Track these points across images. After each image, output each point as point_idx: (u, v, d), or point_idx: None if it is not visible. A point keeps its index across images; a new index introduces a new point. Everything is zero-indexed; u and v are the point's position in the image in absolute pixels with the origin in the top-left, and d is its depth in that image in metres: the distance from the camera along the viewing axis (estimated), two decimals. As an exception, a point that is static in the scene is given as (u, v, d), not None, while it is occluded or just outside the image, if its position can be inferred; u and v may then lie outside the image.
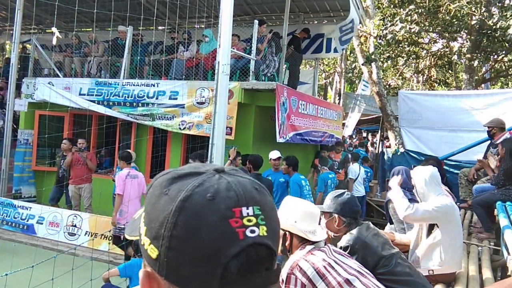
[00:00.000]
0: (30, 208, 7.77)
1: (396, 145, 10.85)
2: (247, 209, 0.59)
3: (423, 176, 3.24)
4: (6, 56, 14.94)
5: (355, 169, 8.90)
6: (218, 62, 5.08)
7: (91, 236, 6.98)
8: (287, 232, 2.30)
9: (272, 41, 8.54)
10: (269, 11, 11.38)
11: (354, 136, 15.06)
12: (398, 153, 10.32)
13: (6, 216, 7.86)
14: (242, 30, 8.97)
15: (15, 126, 9.44)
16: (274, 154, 6.75)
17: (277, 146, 7.70)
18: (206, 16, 8.49)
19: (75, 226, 7.26)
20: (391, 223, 4.58)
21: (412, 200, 3.40)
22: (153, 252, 0.59)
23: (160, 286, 0.60)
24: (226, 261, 0.56)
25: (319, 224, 2.53)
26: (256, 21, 7.69)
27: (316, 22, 11.47)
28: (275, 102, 7.15)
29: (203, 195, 0.59)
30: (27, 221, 7.66)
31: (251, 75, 7.49)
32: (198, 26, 8.77)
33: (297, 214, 2.30)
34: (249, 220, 0.59)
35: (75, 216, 7.34)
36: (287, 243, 2.31)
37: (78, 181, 7.79)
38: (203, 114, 7.53)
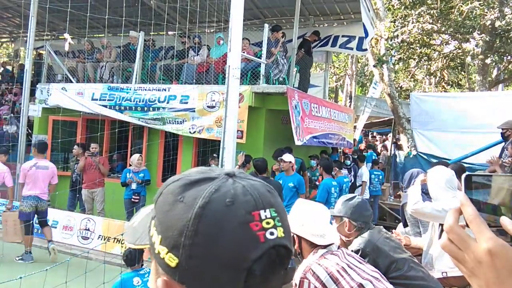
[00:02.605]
0: (44, 212, 7.85)
1: (408, 147, 10.75)
2: (265, 211, 0.60)
3: (438, 177, 3.21)
4: (20, 62, 15.20)
5: (363, 172, 8.87)
6: (229, 66, 5.10)
7: (104, 239, 7.04)
8: (295, 235, 2.30)
9: (282, 44, 8.56)
10: (279, 14, 11.40)
11: (362, 140, 14.93)
12: (411, 156, 10.23)
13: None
14: (252, 34, 9.00)
15: (29, 131, 9.58)
16: (287, 157, 6.68)
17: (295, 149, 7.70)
18: (216, 20, 8.54)
19: (88, 230, 7.33)
20: (405, 226, 4.54)
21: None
22: (172, 261, 0.59)
23: None
24: (249, 265, 0.57)
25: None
26: (266, 25, 7.70)
27: (326, 25, 11.45)
28: (288, 105, 7.14)
29: (221, 200, 0.59)
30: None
31: (262, 78, 7.50)
32: (208, 31, 8.82)
33: (305, 217, 2.29)
34: (267, 223, 0.60)
35: (88, 220, 7.40)
36: (296, 246, 2.31)
37: (91, 185, 7.87)
38: (213, 118, 7.55)
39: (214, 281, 0.57)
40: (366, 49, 10.15)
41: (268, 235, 0.59)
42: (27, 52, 9.09)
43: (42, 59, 10.47)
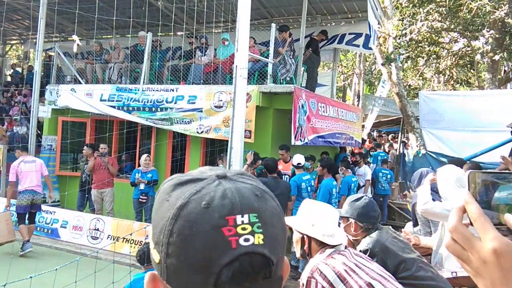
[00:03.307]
0: (54, 212, 7.94)
1: (417, 146, 10.68)
2: (242, 217, 0.58)
3: (448, 176, 3.19)
4: (30, 64, 15.36)
5: (366, 171, 8.84)
6: (236, 66, 5.10)
7: (113, 239, 7.09)
8: (305, 236, 2.28)
9: (291, 44, 8.54)
10: (286, 14, 11.38)
11: (366, 139, 14.82)
12: (420, 155, 10.16)
13: (31, 220, 8.04)
14: (259, 34, 8.99)
15: (39, 132, 9.67)
16: (298, 158, 6.59)
17: (295, 149, 7.67)
18: (223, 20, 8.55)
19: (97, 229, 7.38)
20: (416, 225, 4.51)
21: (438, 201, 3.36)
22: (156, 256, 0.61)
23: None
24: (218, 270, 0.56)
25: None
26: (273, 25, 7.70)
27: (333, 24, 11.41)
28: (292, 105, 7.13)
29: (198, 202, 0.59)
30: (51, 225, 7.83)
31: (269, 78, 7.49)
32: (215, 31, 8.83)
33: (315, 217, 2.28)
34: (243, 229, 0.58)
35: (97, 220, 7.46)
36: (306, 246, 2.29)
37: (100, 186, 7.93)
38: (221, 117, 7.57)
39: (187, 281, 0.58)
40: (371, 48, 10.04)
41: (241, 242, 0.57)
42: (37, 54, 9.18)
43: (51, 60, 10.57)
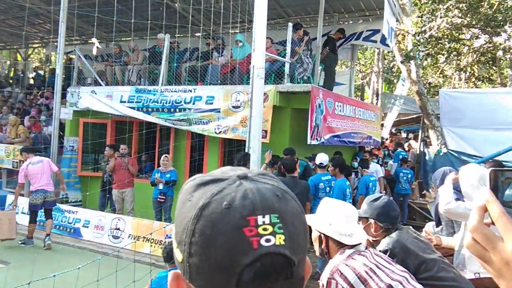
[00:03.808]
0: (77, 212, 8.09)
1: (438, 145, 10.50)
2: (263, 217, 0.59)
3: (470, 175, 3.12)
4: (51, 66, 15.69)
5: (376, 168, 8.70)
6: (253, 66, 5.11)
7: (134, 239, 7.18)
8: (322, 235, 2.27)
9: (308, 43, 8.50)
10: (303, 13, 11.34)
11: (386, 138, 14.57)
12: (441, 154, 10.01)
13: (54, 220, 8.22)
14: (276, 33, 8.99)
15: (61, 133, 9.88)
16: (321, 157, 6.49)
17: (313, 149, 7.64)
18: (240, 21, 8.58)
19: (118, 229, 7.49)
20: (439, 225, 4.42)
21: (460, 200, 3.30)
22: (179, 255, 0.62)
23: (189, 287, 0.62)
24: (239, 270, 0.56)
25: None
26: (290, 24, 7.68)
27: (351, 22, 11.31)
28: (310, 104, 7.11)
29: (220, 203, 0.60)
30: (74, 224, 7.99)
31: (286, 77, 7.48)
32: (232, 32, 8.87)
33: (333, 216, 2.26)
34: (264, 229, 0.58)
35: (118, 219, 7.57)
36: (323, 245, 2.28)
37: (121, 186, 8.05)
38: (238, 118, 7.59)
39: (210, 280, 0.58)
40: (388, 45, 9.84)
41: (263, 242, 0.57)
42: (58, 57, 9.38)
43: (72, 63, 10.78)
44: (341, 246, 2.22)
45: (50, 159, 8.88)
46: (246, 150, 5.41)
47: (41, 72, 16.76)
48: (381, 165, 9.68)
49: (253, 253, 0.57)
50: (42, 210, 7.45)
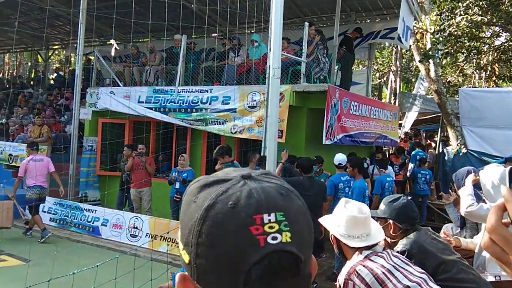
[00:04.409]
0: (95, 211, 8.22)
1: (457, 145, 10.32)
2: (269, 216, 0.59)
3: (492, 176, 3.05)
4: (71, 68, 15.96)
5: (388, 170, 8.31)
6: (269, 66, 5.11)
7: (151, 237, 7.26)
8: (333, 235, 2.28)
9: (322, 42, 8.44)
10: (320, 12, 11.28)
11: (405, 137, 14.33)
12: (460, 154, 9.84)
13: (74, 219, 8.38)
14: (292, 33, 8.96)
15: (81, 133, 10.05)
16: (339, 158, 6.40)
17: (330, 149, 7.60)
18: (256, 21, 8.59)
19: (136, 228, 7.58)
20: (462, 227, 4.33)
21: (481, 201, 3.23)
22: (185, 257, 0.62)
23: None
24: (247, 268, 0.57)
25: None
26: (306, 24, 7.65)
27: (368, 21, 11.20)
28: (326, 104, 7.07)
29: (225, 203, 0.60)
30: (93, 223, 8.12)
31: (302, 77, 7.46)
32: (248, 32, 8.88)
33: (342, 217, 2.25)
34: (270, 227, 0.58)
35: (136, 218, 7.66)
36: (335, 246, 2.29)
37: (139, 185, 8.13)
38: (254, 118, 7.60)
39: (218, 280, 0.59)
40: (405, 41, 9.60)
41: (269, 240, 0.58)
42: (77, 58, 9.54)
43: (91, 64, 10.95)
44: (357, 247, 2.21)
45: (71, 159, 9.08)
46: (262, 150, 5.41)
47: (62, 73, 17.08)
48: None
49: (260, 251, 0.57)
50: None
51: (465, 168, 4.27)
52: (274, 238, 0.58)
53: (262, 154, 5.43)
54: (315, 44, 8.09)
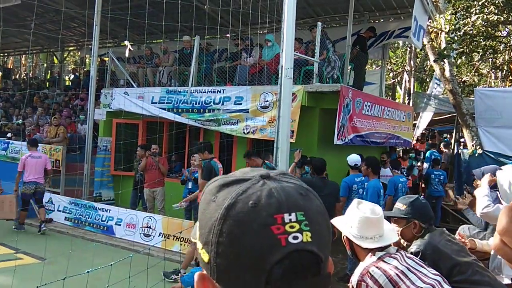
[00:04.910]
0: (109, 210, 8.31)
1: (473, 146, 10.17)
2: (290, 215, 0.59)
3: (510, 177, 3.00)
4: (86, 69, 16.16)
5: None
6: (282, 66, 5.11)
7: (164, 237, 7.31)
8: (345, 236, 2.26)
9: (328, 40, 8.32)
10: (333, 12, 11.23)
11: (421, 138, 14.09)
12: (476, 155, 9.70)
13: (88, 218, 8.48)
14: (305, 33, 8.94)
15: (95, 133, 10.16)
16: (355, 159, 6.32)
17: (342, 149, 7.56)
18: (268, 21, 8.59)
19: (149, 227, 7.64)
20: (486, 229, 4.27)
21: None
22: (204, 256, 0.62)
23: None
24: (269, 267, 0.57)
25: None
26: (319, 23, 7.63)
27: (382, 20, 11.12)
28: (338, 104, 7.03)
29: (245, 202, 0.60)
30: (107, 222, 8.20)
31: (315, 77, 7.43)
32: (261, 32, 8.89)
33: (355, 218, 2.23)
34: (291, 227, 0.59)
35: (149, 218, 7.72)
36: (348, 247, 2.28)
37: (152, 185, 8.19)
38: (266, 118, 7.60)
39: (237, 279, 0.59)
40: (417, 40, 9.41)
41: (290, 239, 0.58)
42: (92, 59, 9.64)
43: (106, 65, 11.07)
44: (370, 249, 2.19)
45: (86, 159, 9.20)
46: (274, 150, 5.41)
47: (77, 74, 17.30)
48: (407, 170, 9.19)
49: (281, 251, 0.57)
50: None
51: (487, 167, 4.19)
52: (295, 238, 0.58)
53: (274, 155, 5.42)
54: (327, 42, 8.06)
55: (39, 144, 10.25)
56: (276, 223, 0.59)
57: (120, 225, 7.99)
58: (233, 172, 0.70)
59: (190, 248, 5.95)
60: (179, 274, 5.74)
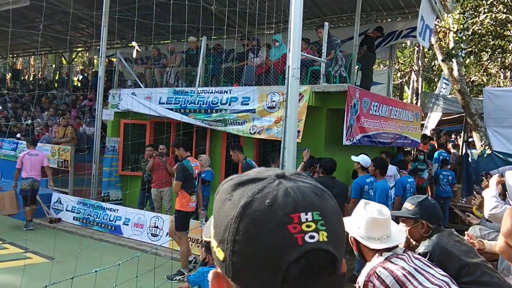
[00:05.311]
0: (117, 210, 8.36)
1: (482, 146, 10.09)
2: (306, 214, 0.60)
3: None
4: (94, 69, 16.27)
5: (395, 171, 7.84)
6: (288, 66, 5.10)
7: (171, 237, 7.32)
8: (352, 237, 2.25)
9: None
10: (340, 12, 11.20)
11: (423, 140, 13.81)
12: (485, 155, 9.63)
13: (96, 218, 8.54)
14: (312, 34, 8.92)
15: (103, 134, 10.22)
16: (365, 159, 6.27)
17: (349, 149, 7.53)
18: (275, 21, 8.59)
19: (157, 227, 7.68)
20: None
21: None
22: (220, 254, 0.63)
23: (229, 286, 0.62)
24: (285, 266, 0.57)
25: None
26: (326, 23, 7.61)
27: (389, 20, 11.07)
28: (345, 104, 7.01)
29: (262, 201, 0.61)
30: (115, 222, 8.25)
31: (322, 77, 7.42)
32: (268, 32, 8.89)
33: (362, 219, 2.23)
34: (308, 226, 0.59)
35: (157, 218, 7.75)
36: (354, 248, 2.27)
37: (159, 185, 8.22)
38: (273, 118, 7.60)
39: (253, 278, 0.59)
40: (423, 40, 9.26)
41: (307, 238, 0.58)
42: (100, 60, 9.70)
43: (113, 66, 11.13)
44: (376, 249, 2.19)
45: (94, 159, 9.25)
46: (281, 151, 5.41)
47: (86, 75, 17.43)
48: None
49: (298, 250, 0.58)
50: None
51: (505, 168, 4.14)
52: (312, 237, 0.59)
53: (281, 155, 5.43)
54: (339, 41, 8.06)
55: (48, 144, 10.35)
56: (292, 222, 0.59)
57: (128, 225, 8.03)
58: (248, 171, 0.70)
59: (183, 247, 5.98)
60: (184, 274, 5.77)
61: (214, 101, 8.40)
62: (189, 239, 7.08)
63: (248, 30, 9.25)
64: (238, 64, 8.89)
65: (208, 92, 8.56)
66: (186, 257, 6.07)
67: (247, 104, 7.97)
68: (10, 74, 21.38)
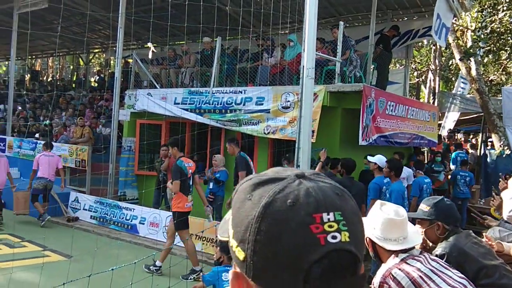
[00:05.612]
0: (133, 209, 8.45)
1: (500, 146, 9.90)
2: (328, 214, 0.59)
3: None
4: (111, 70, 16.46)
5: (408, 174, 7.68)
6: (303, 66, 5.09)
7: (186, 236, 7.37)
8: (367, 238, 2.23)
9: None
10: (355, 11, 11.13)
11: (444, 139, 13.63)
12: (504, 155, 9.45)
13: (113, 217, 8.64)
14: (327, 33, 8.88)
15: (120, 134, 10.34)
16: (381, 159, 6.21)
17: (364, 149, 7.48)
18: (290, 21, 8.58)
19: (172, 227, 7.72)
20: None
21: None
22: (240, 254, 0.62)
23: (249, 286, 0.62)
24: (307, 266, 0.57)
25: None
26: (341, 23, 7.56)
27: (406, 19, 10.94)
28: (361, 104, 6.96)
29: (283, 201, 0.60)
30: (131, 221, 8.35)
31: (337, 77, 7.37)
32: (282, 32, 8.88)
33: (378, 220, 2.20)
34: (330, 226, 0.59)
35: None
36: (370, 249, 2.25)
37: (174, 184, 8.27)
38: (287, 118, 7.58)
39: (274, 277, 0.59)
40: (439, 39, 9.03)
41: (329, 239, 0.58)
42: (117, 61, 9.82)
43: (129, 67, 11.26)
44: (392, 250, 2.16)
45: (111, 159, 9.38)
46: (296, 151, 5.39)
47: (103, 76, 17.67)
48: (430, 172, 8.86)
49: (320, 250, 0.58)
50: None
51: None
52: (334, 237, 0.59)
53: (296, 155, 5.41)
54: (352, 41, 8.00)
55: (66, 144, 10.53)
56: (315, 222, 0.59)
57: (143, 224, 8.11)
58: (266, 171, 0.69)
59: (189, 247, 6.00)
60: (197, 272, 5.80)
61: (229, 101, 8.42)
62: (204, 238, 7.12)
63: (262, 30, 9.25)
64: (252, 64, 8.89)
65: (222, 92, 8.59)
66: (195, 254, 6.08)
67: (262, 104, 7.98)
68: (29, 75, 21.81)
